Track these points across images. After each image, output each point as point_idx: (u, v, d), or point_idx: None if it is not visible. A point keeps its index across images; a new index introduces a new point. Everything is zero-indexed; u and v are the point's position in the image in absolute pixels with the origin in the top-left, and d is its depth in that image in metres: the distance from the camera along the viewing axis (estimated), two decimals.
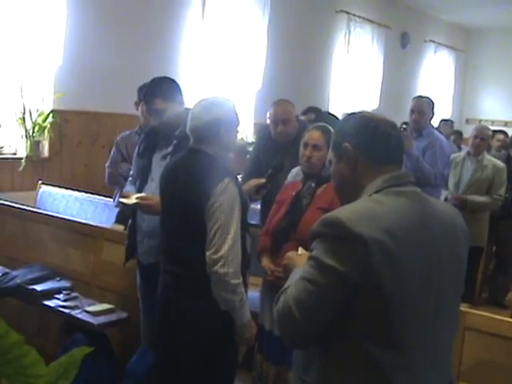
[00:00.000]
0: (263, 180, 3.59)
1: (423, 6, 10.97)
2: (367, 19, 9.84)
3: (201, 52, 7.19)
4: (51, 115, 5.68)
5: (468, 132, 11.25)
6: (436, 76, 11.99)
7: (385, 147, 1.77)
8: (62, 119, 5.76)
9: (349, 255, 1.57)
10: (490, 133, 5.82)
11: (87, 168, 6.19)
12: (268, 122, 4.37)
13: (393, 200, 1.68)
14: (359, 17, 9.68)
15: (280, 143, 4.31)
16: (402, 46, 11.11)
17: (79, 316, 3.59)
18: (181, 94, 3.35)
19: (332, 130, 3.22)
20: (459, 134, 9.19)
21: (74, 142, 6.04)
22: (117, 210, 4.65)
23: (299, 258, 1.92)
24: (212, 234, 2.60)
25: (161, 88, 3.28)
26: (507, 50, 12.30)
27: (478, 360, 2.79)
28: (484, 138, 5.39)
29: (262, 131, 4.70)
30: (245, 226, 2.77)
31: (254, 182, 3.61)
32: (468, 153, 5.49)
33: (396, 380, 1.60)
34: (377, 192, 1.70)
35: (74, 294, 3.85)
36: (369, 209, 1.65)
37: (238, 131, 2.89)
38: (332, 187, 3.06)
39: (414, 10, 11.07)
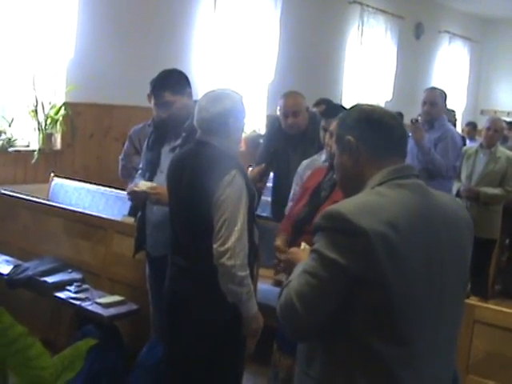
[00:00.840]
0: (263, 165, 3.59)
1: None
2: (380, 10, 9.76)
3: (213, 44, 7.17)
4: (63, 108, 5.69)
5: (483, 123, 11.27)
6: (450, 67, 11.88)
7: (388, 139, 1.76)
8: (74, 112, 5.78)
9: (350, 248, 1.56)
10: (504, 124, 5.75)
11: (99, 160, 6.22)
12: (278, 113, 4.35)
13: (395, 192, 1.67)
14: (372, 7, 9.60)
15: (290, 135, 4.30)
16: (416, 37, 11.01)
17: (90, 308, 3.62)
18: (189, 87, 3.34)
19: None
20: (473, 125, 9.12)
21: (86, 135, 6.06)
22: (129, 202, 4.66)
23: (302, 253, 1.92)
24: (219, 226, 2.60)
25: (169, 80, 3.27)
26: None
27: (487, 353, 2.78)
28: (497, 130, 5.33)
29: (272, 123, 4.68)
30: (253, 218, 2.76)
31: (256, 169, 3.61)
32: (481, 145, 5.44)
33: (399, 373, 1.59)
34: (379, 184, 1.69)
35: (85, 286, 3.88)
36: (371, 201, 1.64)
37: (245, 123, 2.87)
38: None
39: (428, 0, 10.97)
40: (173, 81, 3.28)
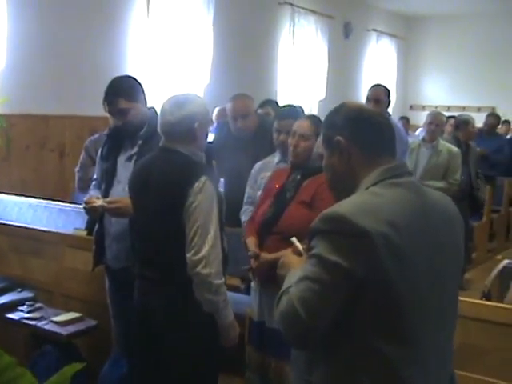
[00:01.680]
0: None
1: None
2: (310, 10, 9.84)
3: (147, 49, 7.06)
4: None
5: (413, 118, 11.56)
6: (379, 64, 12.12)
7: (378, 138, 1.74)
8: (7, 123, 5.56)
9: (353, 250, 1.53)
10: (445, 119, 5.90)
11: (36, 173, 6.00)
12: (214, 118, 4.30)
13: (391, 192, 1.65)
14: (303, 8, 9.66)
15: (240, 138, 4.26)
16: (345, 36, 11.17)
17: (46, 327, 3.50)
18: (143, 93, 3.26)
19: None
20: (406, 119, 9.35)
21: (21, 147, 5.83)
22: (76, 215, 4.53)
23: (296, 258, 1.86)
24: (192, 235, 2.53)
25: (123, 87, 3.18)
26: (446, 37, 12.56)
27: (458, 345, 2.79)
28: (439, 124, 5.47)
29: (220, 129, 4.64)
30: (221, 224, 2.71)
31: None
32: (423, 139, 5.56)
33: (404, 373, 1.57)
34: (374, 185, 1.67)
35: (38, 305, 3.75)
36: (369, 202, 1.61)
37: (209, 130, 2.82)
38: (316, 181, 3.10)
39: None
40: (127, 87, 3.19)
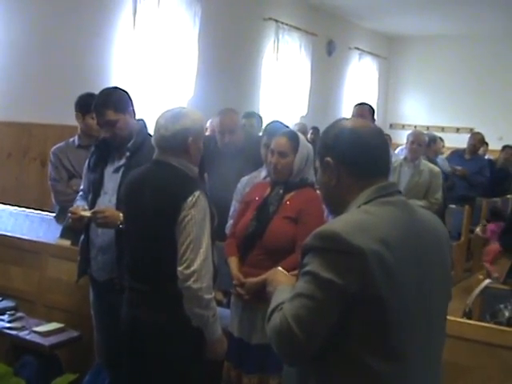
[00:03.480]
0: None
1: (348, 15, 11.23)
2: (295, 27, 9.96)
3: (132, 61, 7.08)
4: None
5: (393, 137, 11.66)
6: (361, 82, 12.28)
7: (369, 161, 1.74)
8: None
9: (347, 268, 1.55)
10: (426, 138, 5.98)
11: (18, 181, 5.96)
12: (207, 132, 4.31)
13: (382, 210, 1.67)
14: (287, 24, 9.78)
15: (227, 152, 4.28)
16: (328, 53, 11.31)
17: (28, 337, 3.46)
18: (132, 105, 3.26)
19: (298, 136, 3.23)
20: (388, 137, 9.43)
21: (3, 155, 5.81)
22: (57, 225, 4.46)
23: (282, 275, 1.89)
24: (184, 249, 2.53)
25: (112, 99, 3.18)
26: (427, 58, 12.78)
27: (441, 363, 2.84)
28: (420, 144, 5.54)
29: (207, 144, 4.64)
30: (213, 239, 2.72)
31: None
32: (405, 158, 5.62)
33: None
34: (366, 203, 1.69)
35: (19, 314, 3.71)
36: (361, 220, 1.63)
37: (203, 144, 2.82)
38: (300, 195, 3.13)
39: (339, 18, 11.31)
40: (115, 99, 3.19)
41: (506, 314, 3.36)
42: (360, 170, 1.73)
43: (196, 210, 2.55)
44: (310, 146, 3.30)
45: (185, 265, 2.53)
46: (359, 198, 1.70)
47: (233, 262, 3.21)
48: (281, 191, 3.21)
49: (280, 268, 2.00)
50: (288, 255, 3.03)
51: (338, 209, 1.75)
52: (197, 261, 2.52)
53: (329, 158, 1.74)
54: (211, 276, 2.60)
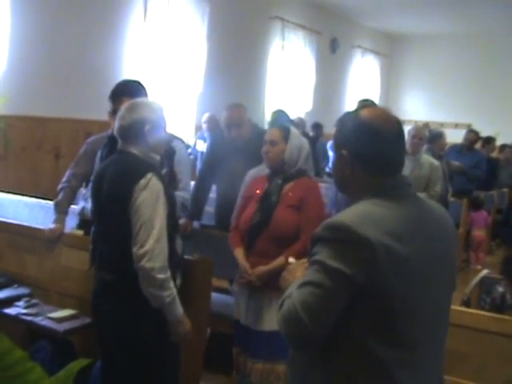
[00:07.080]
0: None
1: (351, 14, 11.35)
2: (300, 25, 10.09)
3: (143, 55, 7.20)
4: None
5: None
6: (363, 79, 12.40)
7: (385, 161, 1.74)
8: (6, 124, 5.65)
9: (355, 258, 1.58)
10: (427, 133, 6.09)
11: (32, 173, 6.09)
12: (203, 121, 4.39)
13: (392, 203, 1.69)
14: (292, 23, 9.90)
15: (234, 146, 4.40)
16: (331, 51, 11.42)
17: (43, 323, 3.52)
18: (146, 95, 3.37)
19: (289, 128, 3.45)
20: None
21: (18, 147, 5.93)
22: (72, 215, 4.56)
23: (298, 268, 1.90)
24: (137, 230, 2.56)
25: (128, 87, 3.30)
26: (427, 56, 12.92)
27: (445, 351, 2.92)
28: (421, 138, 5.64)
29: (215, 136, 4.77)
30: (175, 225, 2.75)
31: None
32: (406, 151, 5.72)
33: (401, 378, 1.64)
34: (376, 195, 1.71)
35: (34, 301, 3.78)
36: (371, 212, 1.66)
37: (164, 134, 2.84)
38: (300, 184, 3.26)
39: (343, 17, 11.43)
40: (131, 87, 3.31)
41: (500, 289, 3.55)
42: (374, 169, 1.74)
43: (148, 192, 2.57)
44: (304, 138, 3.49)
45: (138, 245, 2.55)
46: (370, 190, 1.73)
47: (239, 252, 3.34)
48: (279, 181, 3.35)
49: (291, 259, 2.04)
50: (292, 243, 3.18)
51: (351, 194, 1.79)
52: (149, 241, 2.54)
53: (344, 152, 1.76)
54: (166, 257, 2.60)
